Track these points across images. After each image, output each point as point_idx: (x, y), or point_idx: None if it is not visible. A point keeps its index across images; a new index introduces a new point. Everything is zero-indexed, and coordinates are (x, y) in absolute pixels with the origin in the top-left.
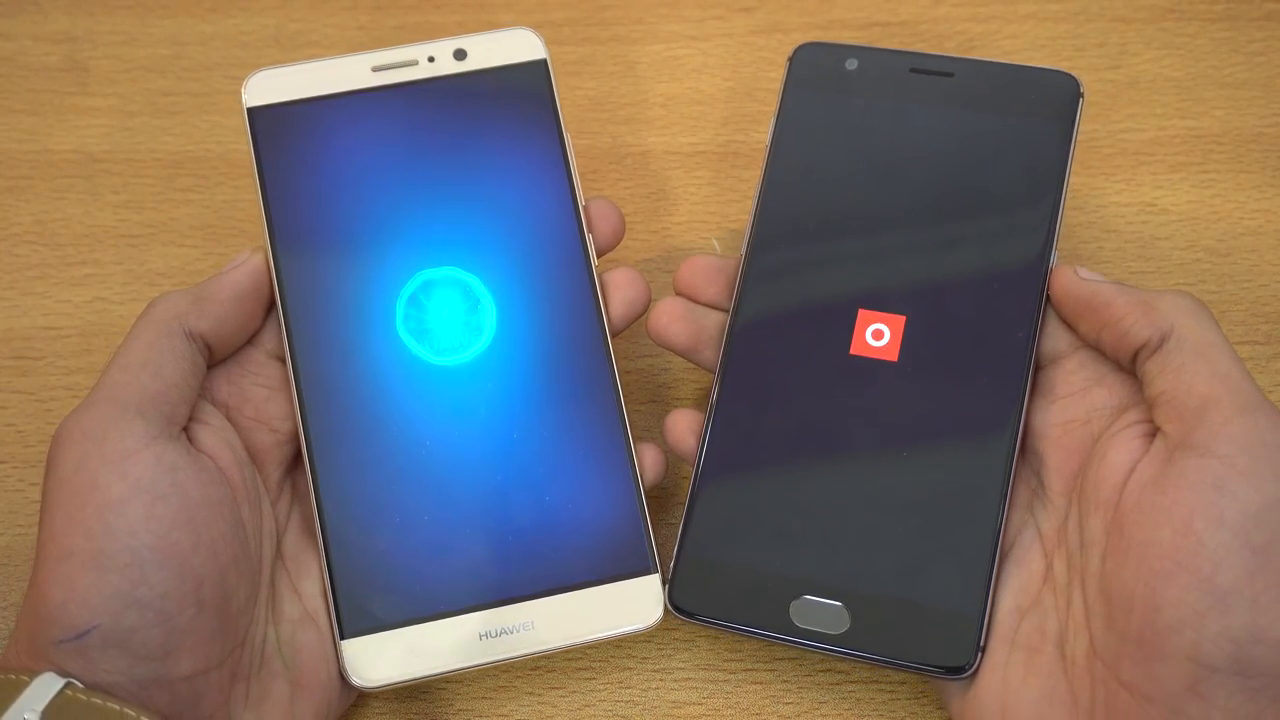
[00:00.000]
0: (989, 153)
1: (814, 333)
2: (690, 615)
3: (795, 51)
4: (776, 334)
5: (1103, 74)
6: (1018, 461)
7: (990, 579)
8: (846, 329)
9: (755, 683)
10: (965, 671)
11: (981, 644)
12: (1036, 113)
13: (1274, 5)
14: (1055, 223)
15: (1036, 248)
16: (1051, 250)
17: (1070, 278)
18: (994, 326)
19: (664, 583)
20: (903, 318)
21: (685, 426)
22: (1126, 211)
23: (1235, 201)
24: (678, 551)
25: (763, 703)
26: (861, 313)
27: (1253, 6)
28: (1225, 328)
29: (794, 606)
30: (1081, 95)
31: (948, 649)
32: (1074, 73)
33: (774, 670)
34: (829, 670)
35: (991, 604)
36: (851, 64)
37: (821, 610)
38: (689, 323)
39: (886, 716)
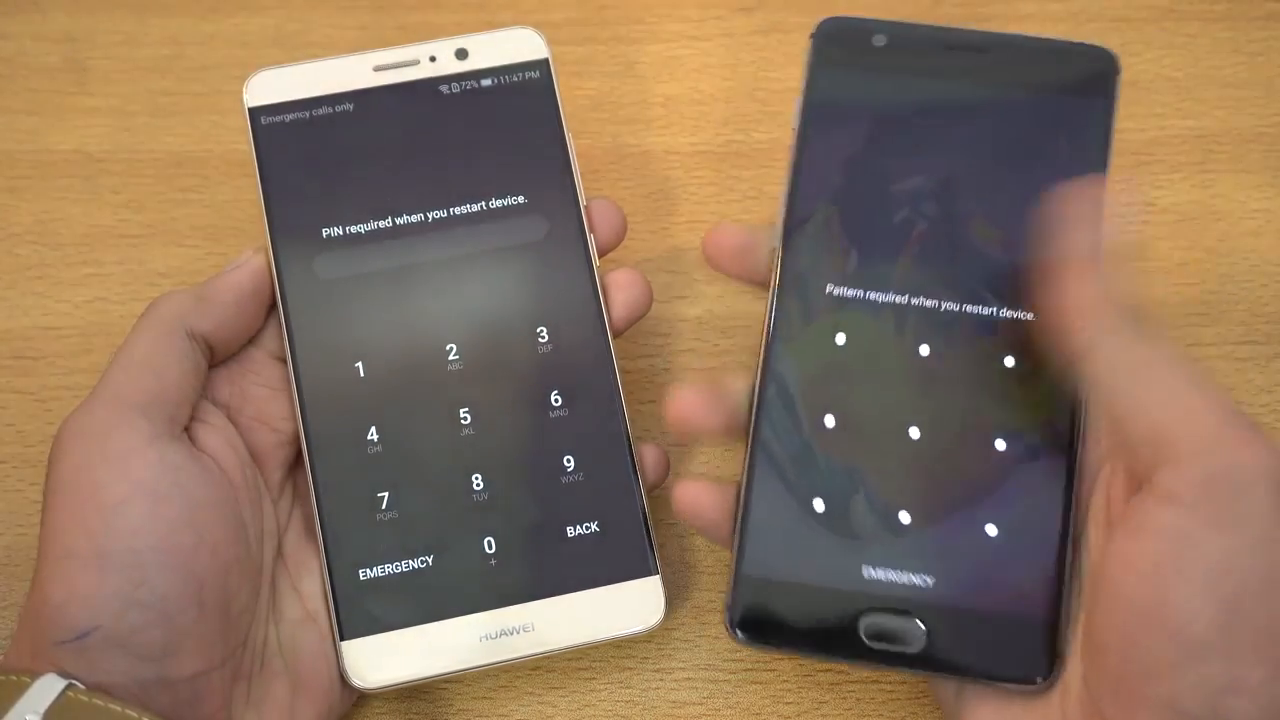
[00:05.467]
0: (1025, 131)
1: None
2: (759, 642)
3: (819, 26)
4: (819, 328)
5: None
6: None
7: (1065, 584)
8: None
9: (755, 683)
10: (1043, 681)
11: (1058, 652)
12: (1074, 89)
13: (1274, 5)
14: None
15: None
16: None
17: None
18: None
19: (663, 585)
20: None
21: (702, 499)
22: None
23: (1235, 201)
24: (735, 572)
25: (763, 703)
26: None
27: (1253, 6)
28: (1225, 328)
29: (864, 623)
30: (1119, 71)
31: (1024, 660)
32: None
33: (774, 670)
34: (829, 670)
35: (1066, 611)
36: (879, 40)
37: (894, 625)
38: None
39: (886, 717)
